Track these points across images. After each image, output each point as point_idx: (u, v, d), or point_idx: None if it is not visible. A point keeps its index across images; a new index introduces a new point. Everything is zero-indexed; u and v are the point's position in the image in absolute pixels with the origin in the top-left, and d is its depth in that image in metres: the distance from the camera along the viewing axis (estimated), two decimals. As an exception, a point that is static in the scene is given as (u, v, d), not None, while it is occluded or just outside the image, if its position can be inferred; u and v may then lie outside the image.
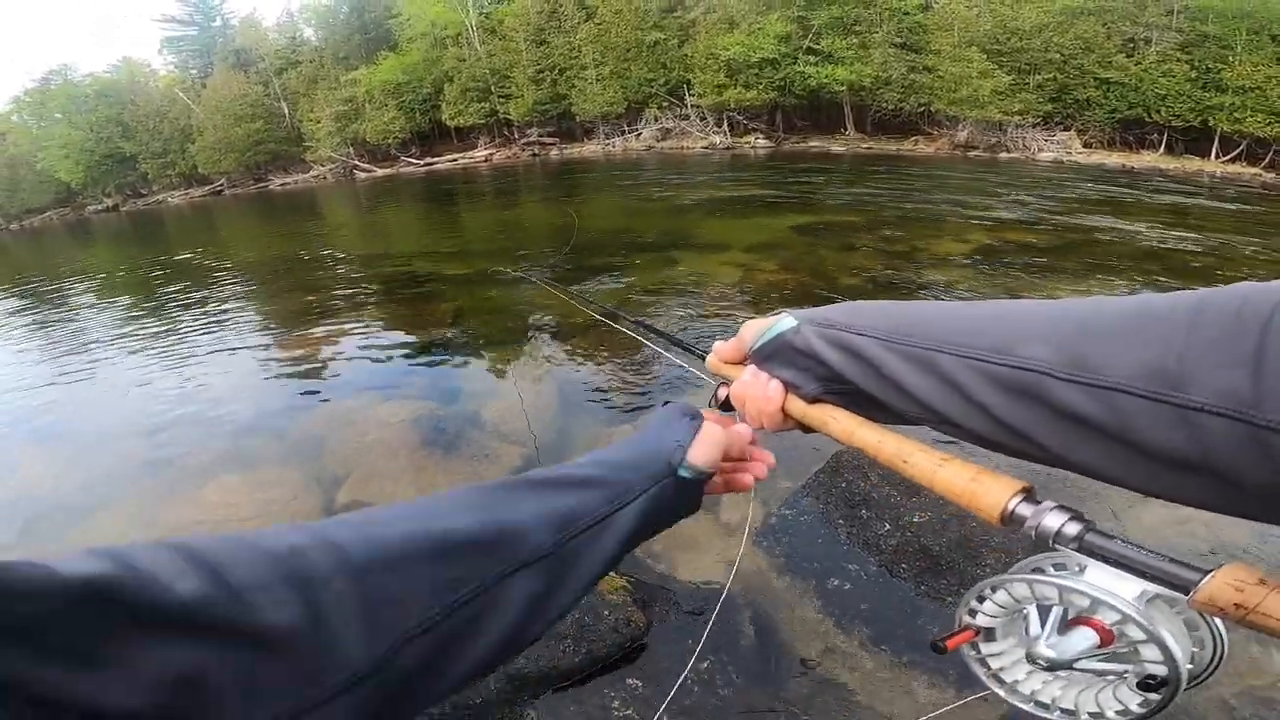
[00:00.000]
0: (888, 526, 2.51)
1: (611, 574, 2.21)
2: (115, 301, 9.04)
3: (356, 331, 5.75)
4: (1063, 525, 0.40)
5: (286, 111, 31.99)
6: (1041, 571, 0.42)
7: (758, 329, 0.61)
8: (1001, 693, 0.46)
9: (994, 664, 0.47)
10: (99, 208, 35.15)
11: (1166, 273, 6.17)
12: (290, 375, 4.91)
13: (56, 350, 6.59)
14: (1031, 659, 0.43)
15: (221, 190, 32.49)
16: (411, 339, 5.41)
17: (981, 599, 0.46)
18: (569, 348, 4.79)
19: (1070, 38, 18.66)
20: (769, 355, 0.59)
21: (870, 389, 0.53)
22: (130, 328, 7.07)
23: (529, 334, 5.20)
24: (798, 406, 0.58)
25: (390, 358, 5.03)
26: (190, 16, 36.53)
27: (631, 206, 12.24)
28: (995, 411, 0.43)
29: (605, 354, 4.63)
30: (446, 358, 4.92)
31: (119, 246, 18.08)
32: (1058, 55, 18.79)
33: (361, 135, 29.14)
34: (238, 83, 31.25)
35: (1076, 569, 0.40)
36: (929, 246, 7.20)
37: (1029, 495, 0.43)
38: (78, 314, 8.57)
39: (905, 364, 0.49)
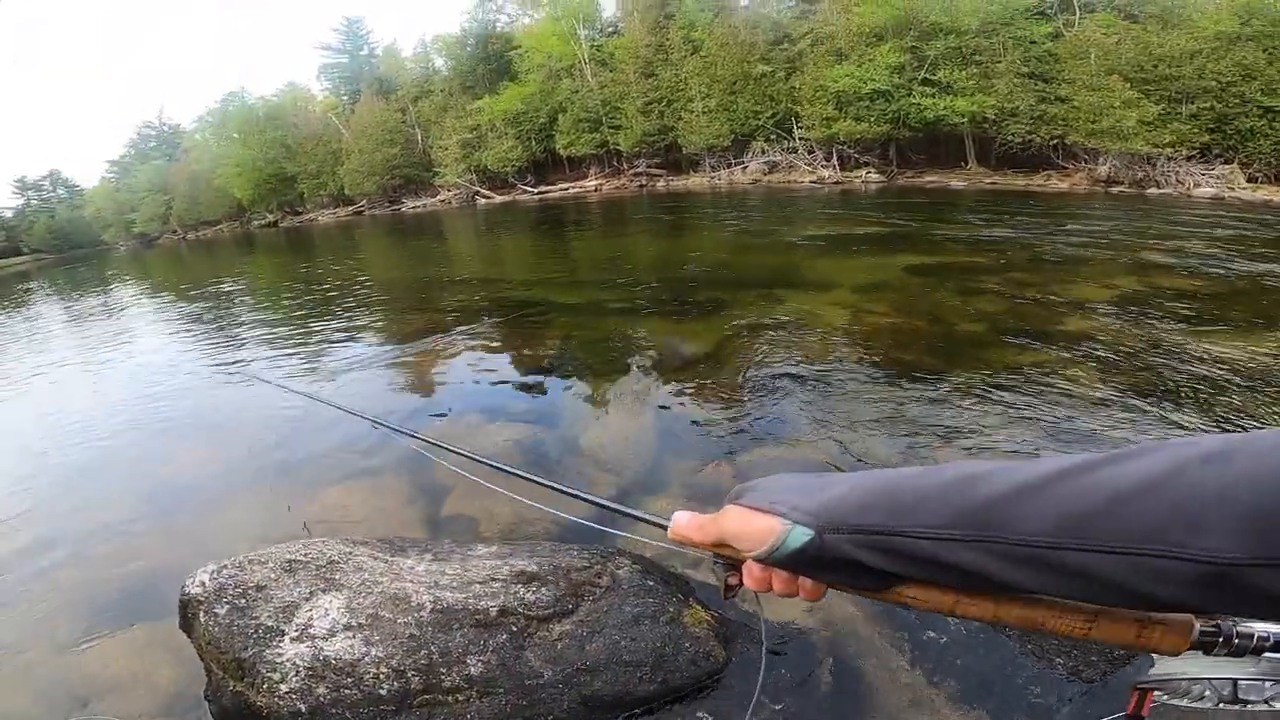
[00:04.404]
0: (1001, 588, 2.32)
1: (697, 607, 2.23)
2: (264, 308, 10.25)
3: (470, 352, 6.11)
4: (1257, 637, 0.42)
5: (419, 138, 34.87)
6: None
7: (756, 534, 0.52)
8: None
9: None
10: (262, 222, 39.88)
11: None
12: (407, 391, 5.30)
13: (206, 349, 7.55)
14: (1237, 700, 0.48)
15: (363, 211, 35.86)
16: (520, 362, 5.68)
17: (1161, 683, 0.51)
18: (669, 382, 4.84)
19: (1228, 64, 16.77)
20: (791, 567, 0.53)
21: (953, 584, 0.46)
22: (273, 335, 7.98)
23: (631, 367, 5.31)
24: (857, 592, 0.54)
25: (499, 379, 5.30)
26: (343, 45, 40.51)
27: (736, 241, 12.22)
28: (1160, 600, 0.38)
29: (706, 389, 4.64)
30: (551, 383, 5.10)
31: (275, 259, 20.44)
32: (1214, 83, 16.90)
33: (483, 163, 31.26)
34: (380, 109, 34.28)
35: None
36: (1065, 291, 6.61)
37: (1206, 623, 0.43)
38: (234, 318, 9.76)
39: (1007, 564, 0.41)
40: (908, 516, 0.44)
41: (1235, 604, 0.36)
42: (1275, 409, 3.79)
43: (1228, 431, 3.57)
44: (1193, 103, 17.17)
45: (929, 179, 21.93)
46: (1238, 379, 4.26)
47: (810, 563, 0.50)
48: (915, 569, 0.45)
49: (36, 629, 2.67)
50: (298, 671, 1.81)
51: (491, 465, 0.97)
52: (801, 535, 0.49)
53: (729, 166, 26.41)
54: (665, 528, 0.61)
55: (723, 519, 0.55)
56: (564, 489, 0.81)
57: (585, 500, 0.78)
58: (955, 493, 0.43)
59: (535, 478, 0.86)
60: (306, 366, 6.28)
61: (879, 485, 0.47)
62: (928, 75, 21.27)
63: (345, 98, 39.57)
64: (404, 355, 6.34)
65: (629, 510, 0.71)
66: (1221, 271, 7.42)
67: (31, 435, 5.30)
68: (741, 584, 0.58)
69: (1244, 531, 0.33)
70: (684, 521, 0.59)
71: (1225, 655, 0.42)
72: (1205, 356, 4.65)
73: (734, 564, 0.59)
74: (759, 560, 0.53)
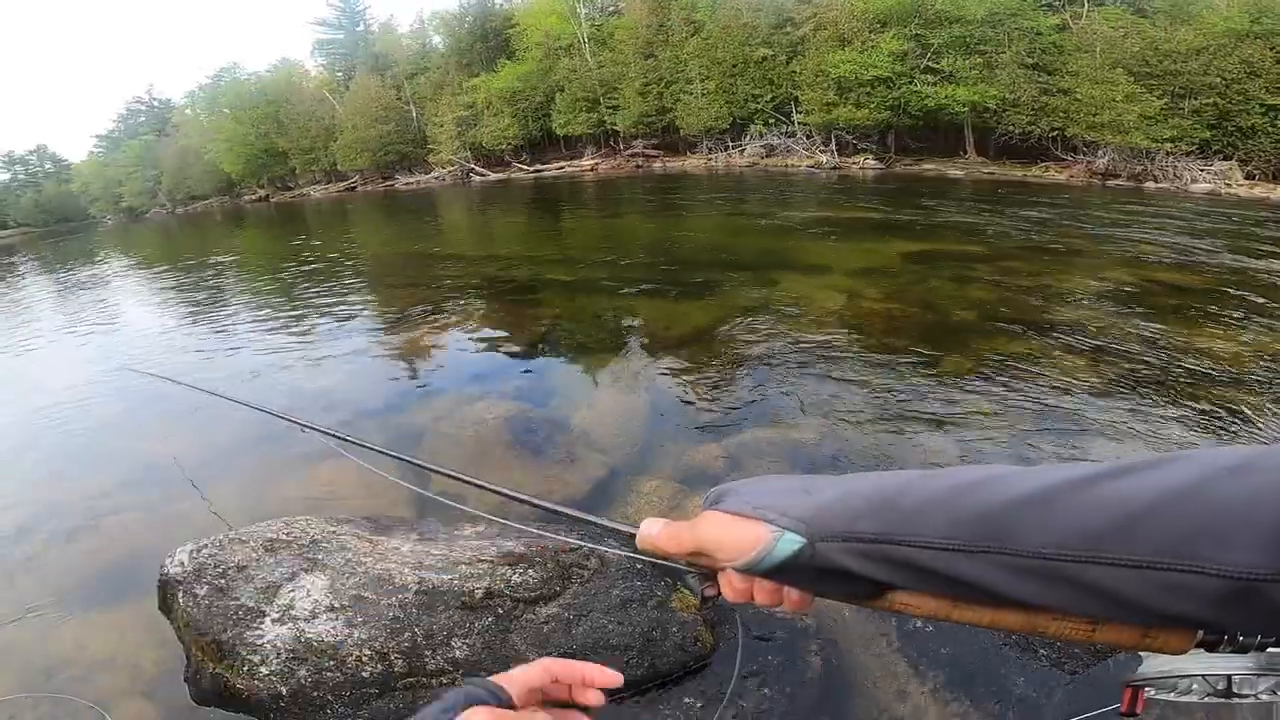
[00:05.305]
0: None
1: (685, 591, 2.22)
2: (251, 284, 10.09)
3: (459, 329, 6.06)
4: (1259, 641, 0.41)
5: (414, 115, 34.45)
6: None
7: (739, 543, 0.47)
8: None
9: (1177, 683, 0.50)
10: (253, 197, 39.41)
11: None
12: (396, 367, 5.23)
13: (191, 328, 7.37)
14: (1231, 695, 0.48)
15: (355, 186, 35.48)
16: (510, 340, 5.63)
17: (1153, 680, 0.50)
18: (662, 360, 4.81)
19: (1234, 61, 16.71)
20: (777, 577, 0.49)
21: (951, 594, 0.43)
22: (260, 311, 7.84)
23: (623, 346, 5.27)
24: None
25: (489, 357, 5.26)
26: (338, 20, 39.99)
27: (731, 223, 12.17)
28: (1172, 615, 0.36)
29: (698, 369, 4.61)
30: (541, 361, 5.08)
31: (266, 233, 20.15)
32: (1218, 79, 16.84)
33: (478, 140, 30.88)
34: (375, 86, 33.94)
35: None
36: (1057, 282, 6.62)
37: (1209, 631, 0.41)
38: (220, 293, 9.61)
39: (1011, 577, 0.39)
40: (907, 524, 0.41)
41: (1251, 619, 0.35)
42: (1255, 401, 3.82)
43: (1211, 422, 3.59)
44: (1195, 99, 17.10)
45: (927, 167, 21.80)
46: (1221, 371, 4.30)
47: (799, 572, 0.46)
48: (913, 579, 0.43)
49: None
50: (279, 653, 1.78)
51: (447, 474, 0.91)
52: (791, 543, 0.45)
53: (726, 149, 26.16)
54: (633, 536, 0.57)
55: (700, 526, 0.51)
56: (520, 496, 0.76)
57: (543, 508, 0.72)
58: (959, 500, 0.40)
59: (490, 485, 0.81)
60: (287, 345, 6.14)
61: (876, 490, 0.44)
62: (930, 63, 21.07)
63: (340, 74, 39.01)
64: (393, 332, 6.25)
65: (593, 518, 0.66)
66: (1214, 266, 7.44)
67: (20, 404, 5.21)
68: (719, 595, 0.53)
69: (1271, 545, 0.32)
70: (654, 530, 0.54)
71: (1228, 652, 0.41)
72: (1191, 349, 4.67)
73: (710, 573, 0.54)
74: (742, 570, 0.49)
